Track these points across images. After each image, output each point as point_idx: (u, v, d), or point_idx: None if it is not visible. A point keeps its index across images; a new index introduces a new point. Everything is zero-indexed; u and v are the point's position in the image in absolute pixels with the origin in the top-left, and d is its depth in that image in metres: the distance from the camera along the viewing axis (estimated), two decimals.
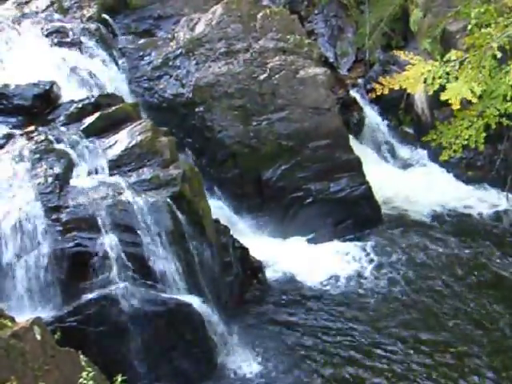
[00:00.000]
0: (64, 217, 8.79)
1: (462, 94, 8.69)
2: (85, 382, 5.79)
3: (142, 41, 13.12)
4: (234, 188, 11.88)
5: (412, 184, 13.16)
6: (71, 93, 10.88)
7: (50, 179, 9.10)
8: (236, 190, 11.87)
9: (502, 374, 8.90)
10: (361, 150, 13.09)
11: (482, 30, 9.20)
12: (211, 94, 12.09)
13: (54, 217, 8.76)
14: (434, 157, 13.21)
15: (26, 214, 8.68)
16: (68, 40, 12.01)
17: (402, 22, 14.68)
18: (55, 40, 11.93)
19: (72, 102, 10.59)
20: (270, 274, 10.98)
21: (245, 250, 10.71)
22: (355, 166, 12.12)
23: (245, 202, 11.87)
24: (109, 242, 8.72)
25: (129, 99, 11.66)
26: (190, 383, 9.02)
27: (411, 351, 9.42)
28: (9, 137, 9.83)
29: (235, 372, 9.18)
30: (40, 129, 9.97)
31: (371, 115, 14.28)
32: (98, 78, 11.55)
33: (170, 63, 12.60)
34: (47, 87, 10.67)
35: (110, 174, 9.51)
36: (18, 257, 8.60)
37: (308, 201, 11.87)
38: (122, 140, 9.88)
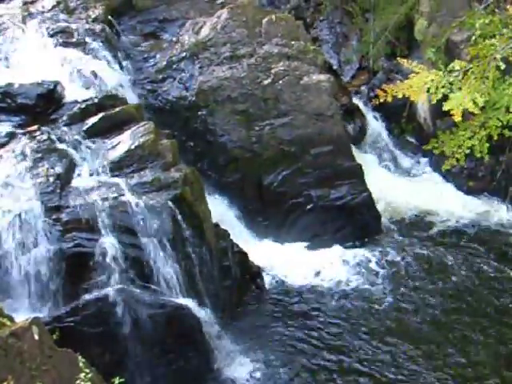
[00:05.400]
0: (64, 217, 8.80)
1: (465, 105, 8.67)
2: (82, 383, 5.78)
3: (146, 43, 13.15)
4: (235, 192, 11.88)
5: (413, 193, 13.16)
6: (75, 93, 10.88)
7: (51, 179, 9.10)
8: (237, 195, 11.87)
9: None
10: (362, 157, 13.10)
11: (486, 41, 9.19)
12: (214, 97, 12.10)
13: (54, 217, 8.77)
14: (436, 166, 13.22)
15: (27, 213, 8.69)
16: (73, 40, 12.02)
17: (407, 30, 14.72)
18: (60, 40, 11.93)
19: (75, 102, 10.59)
20: (269, 279, 10.99)
21: (244, 254, 10.71)
22: (356, 174, 12.13)
23: (245, 207, 11.87)
24: (108, 243, 8.74)
25: (132, 101, 11.66)
26: None
27: (414, 359, 9.44)
28: (11, 135, 9.83)
29: (232, 376, 9.17)
30: (43, 128, 9.97)
31: (374, 123, 14.29)
32: (102, 78, 11.54)
33: (174, 66, 12.62)
34: (51, 87, 10.66)
35: (112, 176, 9.51)
36: (18, 256, 8.61)
37: (308, 207, 11.87)
38: (124, 141, 9.88)
